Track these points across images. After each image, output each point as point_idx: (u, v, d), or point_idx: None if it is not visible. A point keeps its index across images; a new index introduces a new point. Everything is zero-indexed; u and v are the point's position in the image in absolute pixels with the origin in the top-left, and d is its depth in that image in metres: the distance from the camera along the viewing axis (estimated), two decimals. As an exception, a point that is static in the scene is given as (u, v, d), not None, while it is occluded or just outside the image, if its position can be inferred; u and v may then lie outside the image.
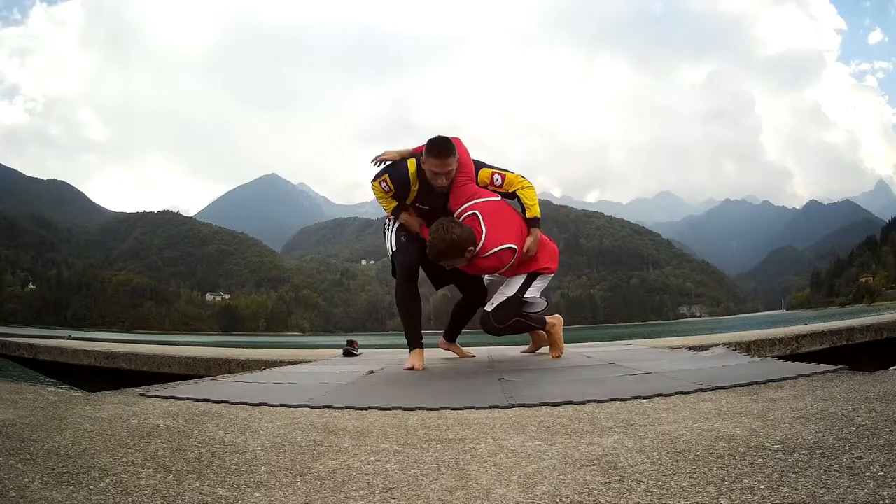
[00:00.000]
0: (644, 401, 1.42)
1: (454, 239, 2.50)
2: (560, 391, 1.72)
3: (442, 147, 2.64)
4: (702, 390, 1.52)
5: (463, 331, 3.29)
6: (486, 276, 2.95)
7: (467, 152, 2.81)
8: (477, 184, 2.72)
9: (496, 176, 2.72)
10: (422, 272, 2.92)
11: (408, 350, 2.79)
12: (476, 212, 2.62)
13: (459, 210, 2.68)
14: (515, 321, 2.71)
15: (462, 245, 2.52)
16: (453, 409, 1.44)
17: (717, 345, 3.42)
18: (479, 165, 2.79)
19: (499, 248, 2.56)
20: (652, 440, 0.98)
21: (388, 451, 1.00)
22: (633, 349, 3.65)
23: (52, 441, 1.08)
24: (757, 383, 1.56)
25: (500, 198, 2.70)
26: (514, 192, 2.73)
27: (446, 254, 2.53)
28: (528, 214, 2.70)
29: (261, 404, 1.59)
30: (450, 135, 2.71)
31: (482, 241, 2.55)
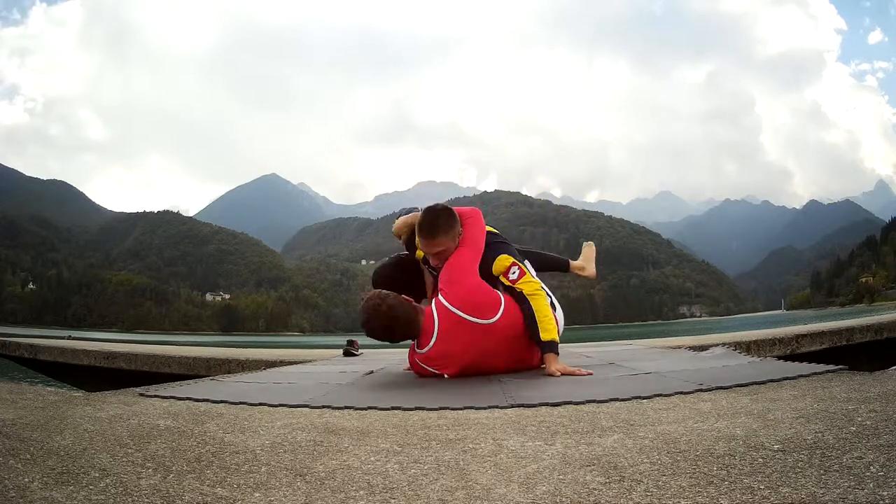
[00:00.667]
0: (644, 401, 1.42)
1: (382, 312, 2.13)
2: (560, 391, 1.72)
3: (430, 226, 2.28)
4: (702, 390, 1.52)
5: None
6: None
7: (482, 229, 2.41)
8: (491, 270, 2.33)
9: (514, 269, 2.31)
10: None
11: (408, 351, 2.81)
12: (434, 308, 2.19)
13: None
14: None
15: (390, 323, 2.14)
16: (453, 409, 1.44)
17: (717, 345, 3.42)
18: (502, 249, 2.38)
19: (429, 366, 2.19)
20: (652, 440, 0.98)
21: (388, 451, 1.00)
22: (633, 349, 3.65)
23: (52, 441, 1.08)
24: (757, 383, 1.56)
25: (495, 320, 2.15)
26: (523, 296, 2.26)
27: (364, 322, 2.18)
28: (544, 337, 2.17)
29: (260, 404, 1.59)
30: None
31: (427, 346, 2.17)
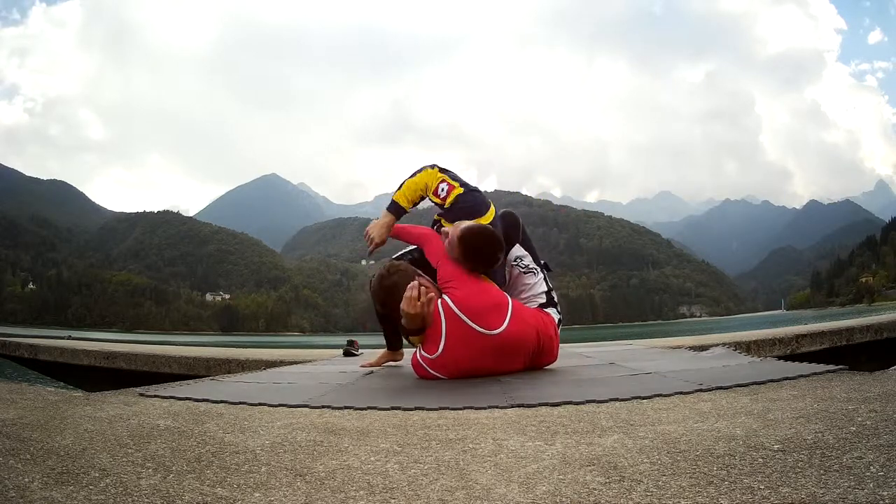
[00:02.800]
0: (644, 401, 1.42)
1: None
2: (560, 391, 1.72)
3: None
4: (701, 390, 1.52)
5: None
6: None
7: (440, 246, 2.37)
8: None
9: (443, 186, 2.42)
10: None
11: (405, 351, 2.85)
12: (441, 309, 2.13)
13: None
14: None
15: (384, 299, 2.27)
16: (453, 409, 1.44)
17: (717, 345, 3.43)
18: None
19: (435, 370, 2.14)
20: (652, 440, 0.98)
21: (388, 451, 1.00)
22: (633, 349, 3.65)
23: (52, 441, 1.08)
24: (757, 383, 1.56)
25: (502, 329, 2.11)
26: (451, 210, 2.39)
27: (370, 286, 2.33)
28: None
29: (260, 404, 1.59)
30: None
31: (436, 353, 2.11)
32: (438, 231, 2.44)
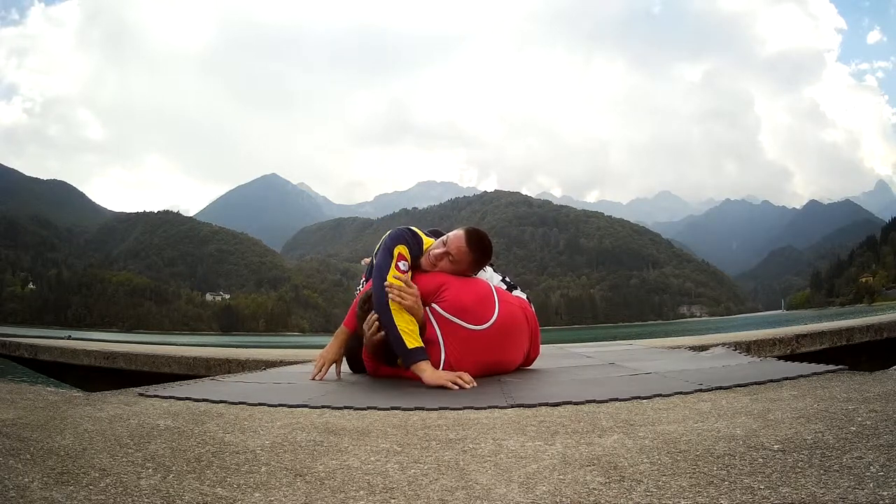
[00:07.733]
0: (644, 401, 1.42)
1: None
2: (560, 391, 1.72)
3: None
4: (701, 390, 1.52)
5: None
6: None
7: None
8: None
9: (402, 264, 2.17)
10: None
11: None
12: (432, 318, 2.08)
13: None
14: None
15: None
16: (453, 409, 1.44)
17: (717, 345, 3.43)
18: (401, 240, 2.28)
19: None
20: (652, 440, 0.98)
21: (388, 451, 1.00)
22: (633, 349, 3.65)
23: (52, 441, 1.08)
24: (757, 383, 1.56)
25: (492, 322, 2.07)
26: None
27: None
28: (410, 344, 2.06)
29: (260, 404, 1.59)
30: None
31: (439, 365, 2.03)
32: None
